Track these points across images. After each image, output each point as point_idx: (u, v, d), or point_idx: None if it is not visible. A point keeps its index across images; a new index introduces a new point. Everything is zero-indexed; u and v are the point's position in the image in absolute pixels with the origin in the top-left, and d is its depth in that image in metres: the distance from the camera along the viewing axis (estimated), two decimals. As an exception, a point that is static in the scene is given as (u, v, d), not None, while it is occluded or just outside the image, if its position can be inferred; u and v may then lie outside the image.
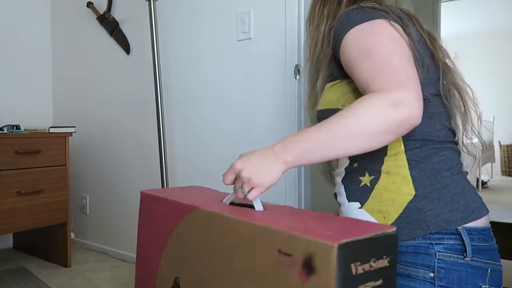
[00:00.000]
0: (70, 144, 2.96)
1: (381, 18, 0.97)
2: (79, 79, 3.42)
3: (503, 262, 2.10)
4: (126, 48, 3.02)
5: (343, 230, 0.74)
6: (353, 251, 0.67)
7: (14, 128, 2.85)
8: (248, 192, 0.91)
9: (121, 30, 3.04)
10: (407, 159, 0.98)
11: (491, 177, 7.42)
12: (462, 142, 1.13)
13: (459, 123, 1.12)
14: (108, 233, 3.20)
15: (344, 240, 0.66)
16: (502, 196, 5.76)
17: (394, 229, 0.74)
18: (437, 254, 0.90)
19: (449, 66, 1.13)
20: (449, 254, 0.90)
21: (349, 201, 1.05)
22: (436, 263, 0.90)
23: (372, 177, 1.01)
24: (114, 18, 3.06)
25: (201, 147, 2.64)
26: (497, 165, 8.01)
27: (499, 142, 8.08)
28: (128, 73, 3.03)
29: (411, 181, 0.96)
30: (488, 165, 7.36)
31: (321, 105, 1.10)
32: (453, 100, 1.13)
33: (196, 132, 2.66)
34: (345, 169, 1.09)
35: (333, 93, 1.07)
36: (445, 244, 0.90)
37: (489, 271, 0.91)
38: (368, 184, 1.02)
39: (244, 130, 2.44)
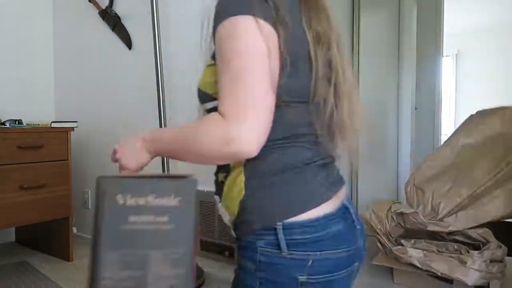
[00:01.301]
0: (72, 139, 2.97)
1: (248, 13, 0.89)
2: (81, 74, 3.42)
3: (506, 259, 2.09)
4: (128, 43, 3.02)
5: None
6: (121, 184, 0.77)
7: (17, 123, 2.85)
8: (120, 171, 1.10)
9: (123, 25, 3.05)
10: (244, 166, 0.99)
11: (493, 174, 7.41)
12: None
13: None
14: (110, 228, 3.20)
15: (110, 175, 0.80)
16: (503, 192, 5.75)
17: (191, 175, 0.80)
18: (258, 249, 0.94)
19: (338, 73, 1.02)
20: (268, 249, 0.93)
21: (215, 194, 1.11)
22: (257, 257, 0.94)
23: (224, 174, 1.05)
24: (116, 13, 3.06)
25: (203, 142, 2.64)
26: (499, 162, 8.00)
27: (501, 139, 8.07)
28: (130, 68, 3.03)
29: (243, 181, 0.98)
30: (490, 162, 7.34)
31: (199, 83, 1.09)
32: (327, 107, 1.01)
33: (198, 127, 2.66)
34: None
35: (207, 75, 1.05)
36: (266, 240, 0.94)
37: (309, 262, 0.92)
38: (224, 180, 1.05)
39: None
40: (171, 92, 2.75)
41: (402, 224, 2.32)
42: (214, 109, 0.92)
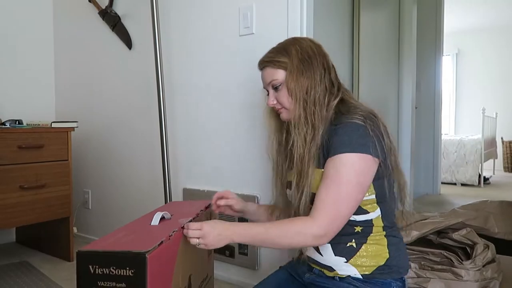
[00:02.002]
0: (72, 139, 2.97)
1: (370, 152, 1.27)
2: (81, 74, 3.42)
3: (505, 258, 2.10)
4: (128, 43, 3.02)
5: (115, 243, 1.17)
6: (92, 257, 1.09)
7: (17, 123, 2.85)
8: (199, 244, 1.30)
9: (123, 25, 3.05)
10: (386, 239, 1.38)
11: (494, 173, 7.41)
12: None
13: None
14: (110, 228, 3.20)
15: (84, 249, 1.10)
16: (504, 192, 5.75)
17: (143, 251, 1.07)
18: (393, 285, 1.37)
19: (398, 168, 1.42)
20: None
21: (335, 255, 1.38)
22: None
23: (356, 242, 1.37)
24: (116, 13, 3.06)
25: (203, 142, 2.64)
26: (500, 161, 8.00)
27: (502, 138, 8.07)
28: (130, 68, 3.03)
29: (387, 250, 1.37)
30: (491, 161, 7.35)
31: (312, 187, 1.36)
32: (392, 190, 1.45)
33: (198, 126, 2.66)
34: None
35: (318, 180, 1.34)
36: (397, 283, 1.38)
37: None
38: (354, 246, 1.37)
39: (247, 126, 2.44)
40: (171, 92, 2.75)
41: None
42: None
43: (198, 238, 1.29)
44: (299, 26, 2.21)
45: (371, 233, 1.36)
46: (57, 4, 3.58)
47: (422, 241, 2.08)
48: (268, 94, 1.50)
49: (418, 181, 4.94)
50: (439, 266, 1.93)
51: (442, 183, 5.64)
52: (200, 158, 2.67)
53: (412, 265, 1.96)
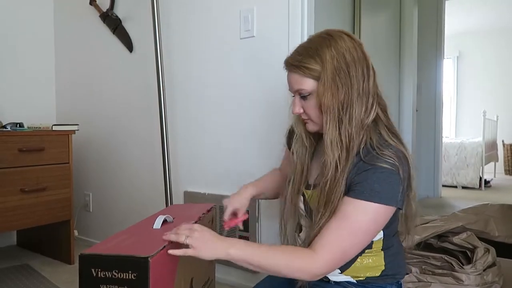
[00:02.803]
0: (73, 142, 2.97)
1: (396, 204, 1.17)
2: (82, 77, 3.42)
3: (505, 261, 2.09)
4: (129, 46, 3.02)
5: (116, 247, 1.18)
6: (95, 260, 1.10)
7: (18, 126, 2.86)
8: (187, 244, 1.17)
9: (124, 28, 3.05)
10: (383, 252, 1.34)
11: (494, 176, 7.40)
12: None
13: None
14: (111, 231, 3.20)
15: (87, 253, 1.11)
16: (505, 195, 5.75)
17: (146, 256, 1.08)
18: None
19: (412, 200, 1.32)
20: None
21: None
22: None
23: None
24: (117, 16, 3.06)
25: (204, 144, 2.64)
26: (501, 164, 7.99)
27: (503, 141, 8.06)
28: (131, 71, 3.04)
29: (383, 262, 1.33)
30: (492, 164, 7.34)
31: None
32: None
33: (199, 129, 2.66)
34: None
35: None
36: (393, 286, 1.36)
37: None
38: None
39: (248, 128, 2.44)
40: (172, 95, 2.75)
41: None
42: None
43: (187, 234, 1.17)
44: (300, 29, 2.22)
45: (369, 248, 1.30)
46: (58, 7, 3.59)
47: (423, 245, 2.08)
48: (293, 97, 1.32)
49: (419, 183, 4.92)
50: (440, 271, 1.92)
51: (443, 186, 5.64)
52: (201, 161, 2.67)
53: (413, 269, 1.96)
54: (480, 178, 6.20)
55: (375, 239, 1.29)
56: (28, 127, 2.92)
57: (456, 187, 6.27)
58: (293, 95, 1.32)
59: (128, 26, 3.05)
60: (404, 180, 1.18)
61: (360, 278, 1.32)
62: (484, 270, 1.89)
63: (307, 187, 1.40)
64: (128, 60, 3.06)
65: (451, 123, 8.80)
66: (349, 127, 1.21)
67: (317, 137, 1.40)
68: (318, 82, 1.23)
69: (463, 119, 8.74)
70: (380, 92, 1.33)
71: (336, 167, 1.21)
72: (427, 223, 2.19)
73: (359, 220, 1.16)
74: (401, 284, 1.38)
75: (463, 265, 1.93)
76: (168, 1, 2.74)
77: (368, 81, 1.25)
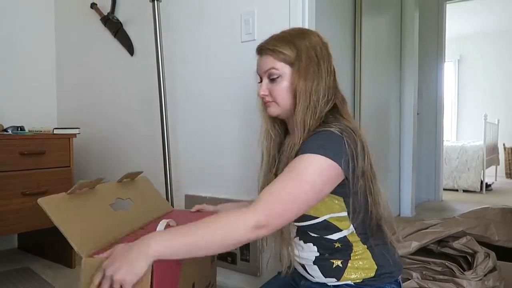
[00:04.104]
0: (74, 145, 2.97)
1: (340, 163, 1.19)
2: (83, 80, 3.43)
3: (506, 265, 2.09)
4: (130, 49, 3.03)
5: None
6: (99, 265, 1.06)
7: (19, 129, 2.86)
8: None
9: (125, 31, 3.05)
10: (369, 251, 1.35)
11: (495, 180, 7.40)
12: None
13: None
14: (112, 234, 3.20)
15: (91, 257, 1.07)
16: (506, 198, 5.74)
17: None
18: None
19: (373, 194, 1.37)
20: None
21: (325, 277, 1.35)
22: None
23: (341, 260, 1.34)
24: (118, 19, 3.07)
25: (206, 148, 2.64)
26: (502, 167, 7.99)
27: (504, 144, 8.06)
28: (132, 74, 3.04)
29: (374, 262, 1.34)
30: (493, 167, 7.34)
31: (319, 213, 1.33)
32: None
33: (200, 133, 2.67)
34: (313, 261, 1.38)
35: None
36: (392, 285, 1.35)
37: None
38: (340, 265, 1.33)
39: (249, 131, 2.44)
40: (173, 98, 2.75)
41: None
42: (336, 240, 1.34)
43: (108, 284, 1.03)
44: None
45: (352, 250, 1.33)
46: (59, 10, 3.59)
47: (423, 250, 2.08)
48: (260, 82, 1.42)
49: (419, 187, 4.94)
50: (441, 276, 1.92)
51: (444, 189, 5.64)
52: (202, 164, 2.67)
53: (414, 274, 1.96)
54: (481, 182, 6.20)
55: (347, 233, 1.33)
56: (29, 131, 2.92)
57: (457, 190, 6.27)
58: (259, 79, 1.43)
59: (129, 29, 3.05)
60: (350, 147, 1.21)
61: (358, 281, 1.33)
62: (485, 275, 1.88)
63: None
64: (129, 63, 3.06)
65: (452, 126, 8.80)
66: (312, 112, 1.30)
67: (283, 131, 1.51)
68: (291, 67, 1.34)
69: (464, 123, 8.74)
70: (340, 89, 1.42)
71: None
72: (427, 228, 2.18)
73: (307, 170, 1.17)
74: (399, 282, 1.39)
75: (464, 270, 1.93)
76: (169, 4, 2.75)
77: (331, 77, 1.36)
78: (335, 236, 1.32)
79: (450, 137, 8.50)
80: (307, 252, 1.39)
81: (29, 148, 2.69)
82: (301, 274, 1.45)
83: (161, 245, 1.04)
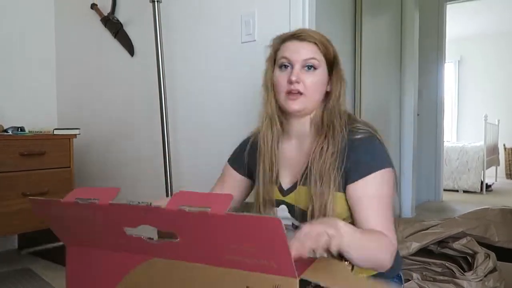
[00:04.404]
0: (74, 146, 2.97)
1: (391, 166, 1.24)
2: (83, 81, 3.43)
3: (506, 265, 2.09)
4: (130, 50, 3.03)
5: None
6: (305, 282, 0.83)
7: (19, 130, 2.86)
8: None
9: (125, 32, 3.05)
10: None
11: (496, 180, 7.40)
12: None
13: None
14: (112, 235, 3.20)
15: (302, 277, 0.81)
16: (506, 199, 5.74)
17: None
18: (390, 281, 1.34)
19: None
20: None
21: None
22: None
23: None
24: (118, 20, 3.07)
25: (206, 149, 2.64)
26: (502, 168, 7.99)
27: (504, 145, 8.06)
28: (132, 75, 3.04)
29: None
30: (493, 168, 7.34)
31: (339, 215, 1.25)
32: None
33: (200, 134, 2.67)
34: None
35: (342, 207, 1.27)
36: (394, 280, 1.36)
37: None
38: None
39: (249, 131, 2.44)
40: (173, 98, 2.75)
41: None
42: None
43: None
44: (301, 34, 2.22)
45: None
46: (59, 11, 3.59)
47: (423, 251, 2.08)
48: (284, 67, 1.32)
49: (420, 187, 4.93)
50: (441, 277, 1.92)
51: (444, 190, 5.63)
52: (203, 165, 2.67)
53: (414, 275, 1.96)
54: (482, 182, 6.20)
55: None
56: (29, 131, 2.92)
57: (457, 191, 6.26)
58: (285, 65, 1.32)
59: (129, 30, 3.05)
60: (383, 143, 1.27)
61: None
62: (485, 276, 1.88)
63: (284, 192, 1.36)
64: (129, 64, 3.06)
65: (453, 127, 8.80)
66: (340, 116, 1.29)
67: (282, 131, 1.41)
68: (326, 66, 1.32)
69: (465, 123, 8.74)
70: None
71: (326, 154, 1.25)
72: (427, 229, 2.18)
73: (383, 190, 1.21)
74: (401, 276, 1.40)
75: (464, 271, 1.93)
76: (169, 5, 2.75)
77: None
78: None
79: (450, 138, 8.50)
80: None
81: (29, 148, 2.69)
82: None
83: (347, 244, 0.99)
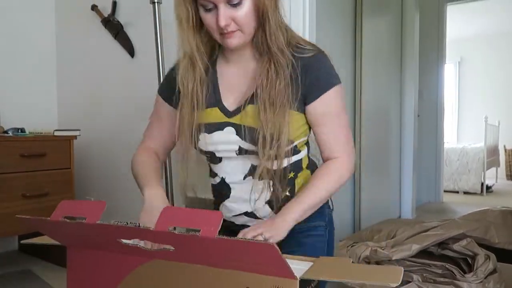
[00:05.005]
0: (75, 147, 2.98)
1: (340, 81, 1.28)
2: (83, 82, 3.43)
3: (506, 266, 2.09)
4: (131, 51, 3.03)
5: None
6: (305, 282, 0.84)
7: (19, 131, 2.86)
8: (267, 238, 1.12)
9: (126, 33, 3.05)
10: (310, 173, 1.39)
11: (496, 181, 7.40)
12: None
13: None
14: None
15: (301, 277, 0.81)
16: (506, 200, 5.74)
17: None
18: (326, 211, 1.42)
19: None
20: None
21: (272, 211, 1.32)
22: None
23: (290, 193, 1.33)
24: (118, 21, 3.07)
25: (205, 150, 2.64)
26: (502, 169, 7.99)
27: (504, 146, 8.06)
28: (132, 76, 3.04)
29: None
30: (493, 169, 7.34)
31: (293, 137, 1.26)
32: None
33: (200, 135, 2.66)
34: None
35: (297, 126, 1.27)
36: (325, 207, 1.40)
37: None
38: (288, 194, 1.32)
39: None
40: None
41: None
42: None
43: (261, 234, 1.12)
44: (301, 34, 2.21)
45: (301, 170, 1.34)
46: (60, 12, 3.59)
47: (424, 252, 2.08)
48: (209, 10, 1.18)
49: (420, 189, 4.94)
50: (441, 279, 1.92)
51: (444, 191, 5.64)
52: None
53: (414, 277, 1.96)
54: (482, 184, 6.20)
55: (302, 156, 1.34)
56: (29, 133, 2.92)
57: (457, 192, 6.27)
58: (209, 7, 1.17)
59: (129, 31, 3.05)
60: None
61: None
62: (485, 278, 1.89)
63: (229, 113, 1.28)
64: (130, 65, 3.06)
65: (453, 128, 8.80)
66: (284, 31, 1.23)
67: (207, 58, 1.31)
68: None
69: (465, 124, 8.74)
70: None
71: (276, 77, 1.20)
72: (427, 230, 2.18)
73: (342, 105, 1.29)
74: (330, 205, 1.45)
75: (464, 272, 1.93)
76: (170, 6, 2.73)
77: None
78: (293, 159, 1.31)
79: (450, 139, 8.50)
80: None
81: (29, 150, 2.69)
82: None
83: (296, 215, 1.20)
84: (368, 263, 2.15)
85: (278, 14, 1.21)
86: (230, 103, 1.29)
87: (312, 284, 0.89)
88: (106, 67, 3.24)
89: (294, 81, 1.21)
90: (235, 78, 1.31)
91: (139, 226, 0.86)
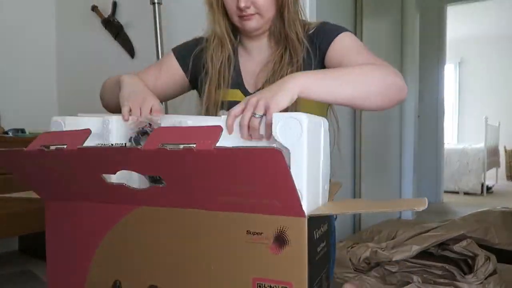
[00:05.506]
0: (75, 147, 2.97)
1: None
2: (83, 82, 3.43)
3: (506, 267, 2.09)
4: (131, 51, 3.03)
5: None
6: (314, 221, 0.75)
7: (19, 132, 2.86)
8: (262, 115, 0.87)
9: (126, 34, 3.06)
10: None
11: (496, 182, 7.39)
12: None
13: None
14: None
15: (310, 214, 0.72)
16: (507, 200, 5.73)
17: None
18: None
19: None
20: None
21: None
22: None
23: None
24: (118, 22, 3.07)
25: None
26: (502, 170, 7.98)
27: (505, 147, 8.05)
28: (133, 77, 3.04)
29: None
30: (493, 170, 7.33)
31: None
32: None
33: (200, 136, 2.66)
34: None
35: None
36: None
37: None
38: None
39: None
40: (173, 100, 2.75)
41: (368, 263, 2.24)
42: None
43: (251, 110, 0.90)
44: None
45: None
46: (60, 12, 3.59)
47: (424, 253, 2.08)
48: None
49: (420, 189, 4.93)
50: (442, 280, 1.92)
51: (444, 191, 5.64)
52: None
53: (414, 277, 1.96)
54: (482, 184, 6.20)
55: None
56: (30, 133, 2.92)
57: (458, 193, 6.27)
58: None
59: (130, 32, 3.05)
60: None
61: None
62: (485, 279, 1.89)
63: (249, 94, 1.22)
64: (130, 66, 3.06)
65: (453, 129, 8.80)
66: (301, 21, 1.30)
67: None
68: None
69: (465, 125, 8.74)
70: None
71: (291, 61, 1.24)
72: (427, 231, 2.19)
73: (360, 45, 1.22)
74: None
75: (464, 273, 1.93)
76: (170, 7, 2.75)
77: None
78: None
79: (451, 140, 8.50)
80: None
81: (29, 150, 2.69)
82: None
83: (306, 79, 0.96)
84: (368, 264, 2.15)
85: (297, 5, 1.29)
86: (250, 88, 1.33)
87: (321, 228, 0.81)
88: (106, 67, 3.24)
89: (306, 60, 1.24)
90: (254, 66, 1.34)
91: (125, 145, 0.78)
